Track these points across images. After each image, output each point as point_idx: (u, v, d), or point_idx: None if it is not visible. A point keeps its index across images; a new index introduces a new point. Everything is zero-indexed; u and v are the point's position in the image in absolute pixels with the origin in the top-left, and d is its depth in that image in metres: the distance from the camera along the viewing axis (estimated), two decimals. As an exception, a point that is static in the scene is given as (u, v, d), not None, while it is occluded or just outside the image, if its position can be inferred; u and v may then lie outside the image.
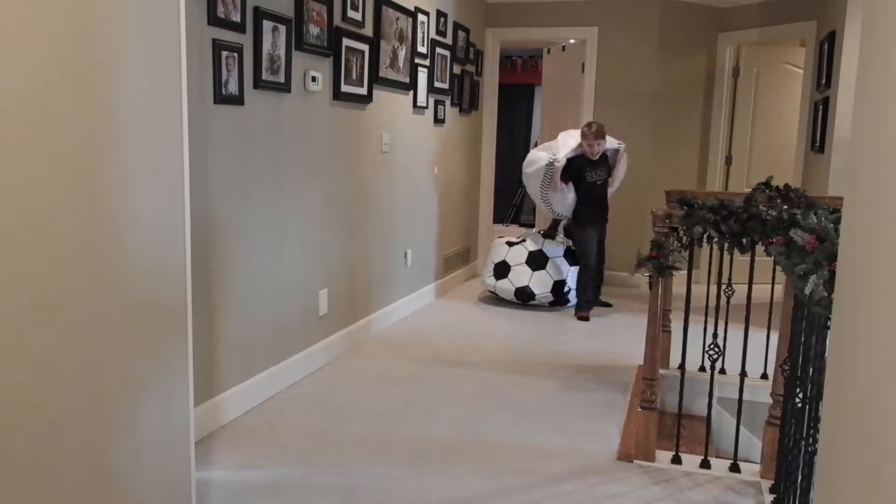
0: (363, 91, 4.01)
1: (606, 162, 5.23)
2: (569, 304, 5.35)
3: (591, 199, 5.20)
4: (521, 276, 5.21)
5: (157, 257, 1.89)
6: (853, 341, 1.15)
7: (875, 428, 1.01)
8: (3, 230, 1.47)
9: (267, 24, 3.07)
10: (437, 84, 5.11)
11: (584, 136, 5.07)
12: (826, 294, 1.58)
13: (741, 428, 2.86)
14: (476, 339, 4.45)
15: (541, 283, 5.20)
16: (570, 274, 5.27)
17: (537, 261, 5.23)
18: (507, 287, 5.25)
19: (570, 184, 5.25)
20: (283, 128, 3.33)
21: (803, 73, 5.70)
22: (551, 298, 5.24)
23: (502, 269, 5.27)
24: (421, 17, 4.73)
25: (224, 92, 2.86)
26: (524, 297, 5.25)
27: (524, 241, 5.40)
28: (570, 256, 5.31)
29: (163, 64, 1.85)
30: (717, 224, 2.70)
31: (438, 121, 5.25)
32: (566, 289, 5.26)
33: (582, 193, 5.19)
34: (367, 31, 4.04)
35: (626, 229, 5.76)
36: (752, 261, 2.71)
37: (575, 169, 5.15)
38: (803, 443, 1.95)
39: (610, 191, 5.35)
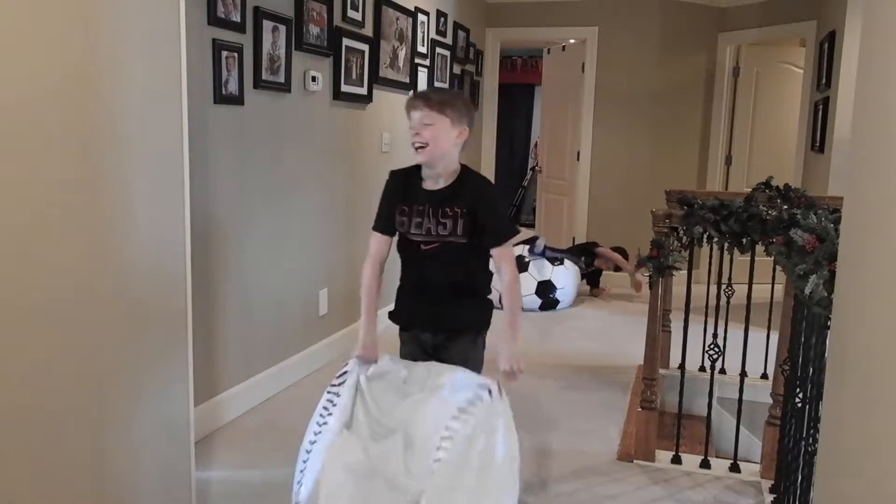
0: (363, 91, 4.01)
1: (468, 199, 2.05)
2: (560, 307, 5.26)
3: (414, 269, 2.18)
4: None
5: (158, 257, 1.89)
6: (853, 341, 1.15)
7: (875, 428, 1.01)
8: (3, 230, 1.47)
9: (267, 24, 3.07)
10: (437, 84, 5.11)
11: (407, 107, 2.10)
12: (826, 294, 1.57)
13: (741, 428, 2.86)
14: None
15: (524, 285, 5.08)
16: (556, 273, 5.19)
17: (520, 264, 5.18)
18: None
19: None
20: (283, 128, 3.33)
21: (803, 73, 5.70)
22: (539, 301, 5.15)
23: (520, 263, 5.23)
24: (421, 17, 4.73)
25: (224, 92, 2.86)
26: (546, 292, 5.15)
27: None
28: (552, 259, 5.29)
29: (163, 64, 1.85)
30: (717, 224, 2.70)
31: (438, 121, 5.25)
32: (554, 290, 5.17)
33: (400, 251, 2.19)
34: (367, 30, 4.04)
35: (625, 229, 5.76)
36: (752, 261, 2.71)
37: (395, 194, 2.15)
38: (803, 443, 1.95)
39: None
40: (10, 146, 1.46)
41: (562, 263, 5.30)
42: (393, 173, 2.15)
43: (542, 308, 5.18)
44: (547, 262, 5.24)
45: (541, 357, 4.14)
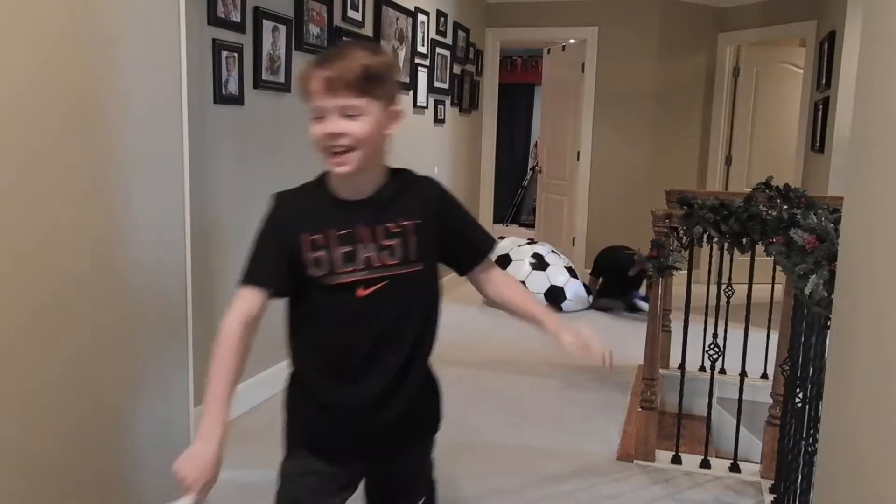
0: (363, 91, 4.01)
1: (417, 205, 1.35)
2: (562, 311, 5.23)
3: (340, 336, 1.36)
4: (519, 271, 5.21)
5: (158, 257, 1.89)
6: (853, 341, 1.15)
7: (875, 428, 1.01)
8: (3, 231, 1.47)
9: (267, 24, 3.07)
10: (437, 84, 5.11)
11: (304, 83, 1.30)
12: (826, 294, 1.57)
13: (741, 428, 2.86)
14: (475, 339, 4.44)
15: (536, 283, 5.17)
16: (569, 285, 5.21)
17: (539, 263, 5.24)
18: None
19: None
20: (283, 128, 3.33)
21: (803, 73, 5.70)
22: (544, 303, 5.18)
23: (503, 262, 5.26)
24: (421, 17, 4.73)
25: (224, 92, 2.86)
26: None
27: (534, 242, 5.47)
28: (570, 272, 5.31)
29: (163, 64, 1.85)
30: (717, 224, 2.70)
31: (438, 121, 5.25)
32: (563, 299, 5.17)
33: (306, 314, 1.40)
34: (367, 30, 4.04)
35: (625, 229, 5.76)
36: (752, 261, 2.71)
37: (290, 225, 1.41)
38: (803, 443, 1.95)
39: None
40: (9, 146, 1.46)
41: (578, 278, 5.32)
42: (282, 197, 1.38)
43: None
44: (565, 272, 5.23)
45: (541, 357, 4.14)
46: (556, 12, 6.16)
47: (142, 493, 1.91)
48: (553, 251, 5.45)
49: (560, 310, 5.19)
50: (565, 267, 5.30)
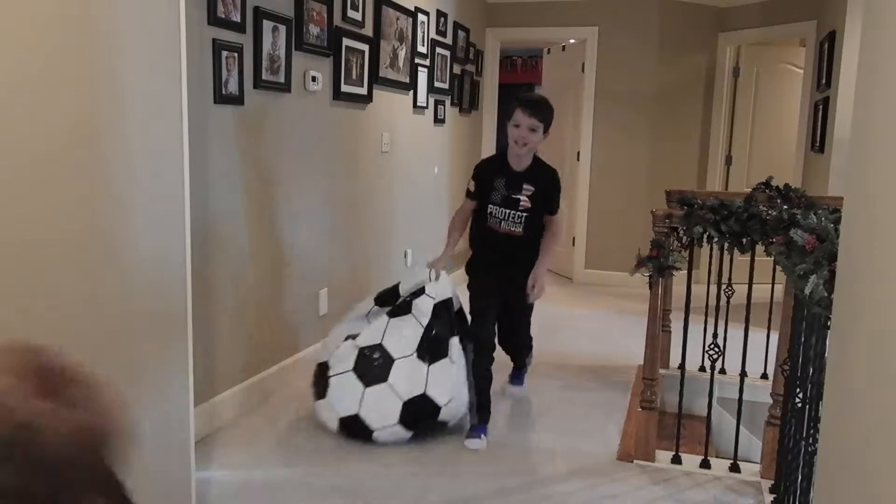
0: (363, 91, 4.01)
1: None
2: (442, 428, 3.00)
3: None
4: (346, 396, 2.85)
5: (157, 257, 1.89)
6: (853, 341, 1.15)
7: (874, 428, 1.01)
8: (2, 229, 1.47)
9: (267, 24, 3.07)
10: (437, 84, 5.11)
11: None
12: (826, 294, 1.57)
13: (741, 428, 2.86)
14: (476, 339, 4.44)
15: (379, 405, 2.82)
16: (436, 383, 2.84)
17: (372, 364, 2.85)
18: (328, 413, 2.91)
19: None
20: (283, 128, 3.33)
21: (803, 73, 5.70)
22: (403, 434, 2.83)
23: (320, 381, 2.94)
24: (421, 17, 4.73)
25: (224, 92, 2.86)
26: (356, 432, 2.85)
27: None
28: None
29: (163, 64, 1.85)
30: (717, 224, 2.70)
31: (438, 121, 5.25)
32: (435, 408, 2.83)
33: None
34: (367, 30, 4.04)
35: (625, 229, 5.76)
36: (752, 261, 2.71)
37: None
38: (803, 443, 1.95)
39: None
40: (9, 147, 1.46)
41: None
42: None
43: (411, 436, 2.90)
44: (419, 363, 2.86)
45: (541, 357, 4.14)
46: (556, 12, 6.16)
47: (141, 495, 1.91)
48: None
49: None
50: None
